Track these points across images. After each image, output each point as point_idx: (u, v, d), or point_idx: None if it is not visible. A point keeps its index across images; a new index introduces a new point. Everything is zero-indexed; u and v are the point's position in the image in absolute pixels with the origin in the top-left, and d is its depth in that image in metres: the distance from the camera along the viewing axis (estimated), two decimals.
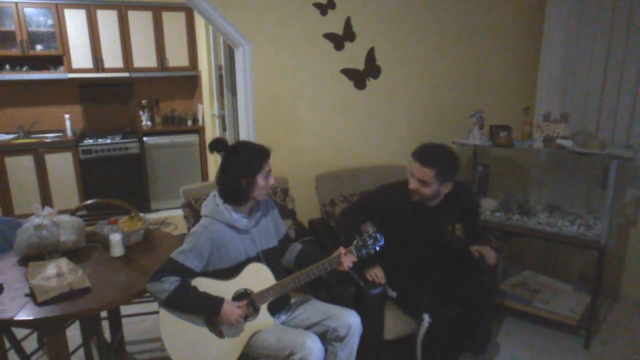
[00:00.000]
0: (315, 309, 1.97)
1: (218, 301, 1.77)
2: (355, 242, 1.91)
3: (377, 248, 1.92)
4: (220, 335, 1.82)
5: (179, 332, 1.80)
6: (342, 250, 1.90)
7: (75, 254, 2.14)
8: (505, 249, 3.35)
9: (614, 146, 2.79)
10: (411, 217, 2.18)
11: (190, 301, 1.76)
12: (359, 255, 1.91)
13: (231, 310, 1.77)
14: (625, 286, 3.18)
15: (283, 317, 2.00)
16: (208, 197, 1.95)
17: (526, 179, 3.37)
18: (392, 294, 2.28)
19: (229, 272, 1.87)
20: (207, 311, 1.79)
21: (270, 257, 1.98)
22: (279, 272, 1.97)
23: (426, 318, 2.13)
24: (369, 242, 1.91)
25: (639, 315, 3.00)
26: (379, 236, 1.92)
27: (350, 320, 1.88)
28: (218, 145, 1.85)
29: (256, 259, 1.92)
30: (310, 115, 2.97)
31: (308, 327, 1.93)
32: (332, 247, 2.48)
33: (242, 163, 1.83)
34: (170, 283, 1.72)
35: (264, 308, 1.87)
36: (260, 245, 1.95)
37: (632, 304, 3.11)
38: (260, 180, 1.85)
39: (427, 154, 2.04)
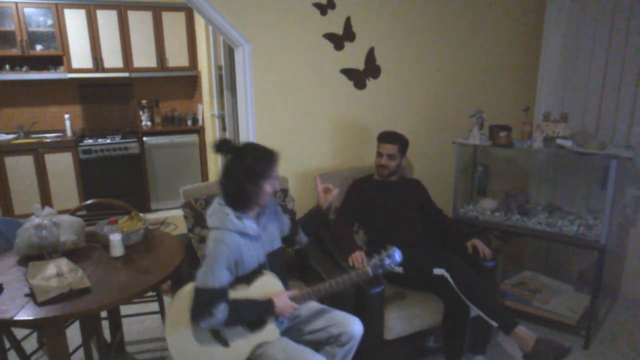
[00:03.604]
0: (319, 315, 1.95)
1: (269, 304, 1.77)
2: (372, 262, 1.90)
3: (394, 266, 1.92)
4: (225, 344, 1.81)
5: (184, 340, 1.78)
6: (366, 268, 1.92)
7: (75, 254, 2.14)
8: (505, 249, 3.35)
9: (613, 146, 2.79)
10: (380, 192, 2.65)
11: (244, 316, 1.75)
12: (375, 274, 1.90)
13: (284, 306, 1.78)
14: (625, 286, 3.18)
15: (286, 323, 1.97)
16: (212, 206, 1.84)
17: (526, 179, 3.37)
18: (399, 269, 2.35)
19: (240, 282, 1.82)
20: (262, 316, 1.81)
21: (275, 260, 1.95)
22: (283, 274, 1.95)
23: (442, 271, 2.24)
24: (386, 262, 1.90)
25: (639, 315, 3.00)
26: (397, 255, 1.90)
27: (354, 331, 1.87)
28: (223, 146, 1.77)
29: (264, 265, 1.88)
30: (310, 115, 2.97)
31: (311, 333, 1.92)
32: (332, 247, 2.51)
33: (248, 167, 1.75)
34: (221, 312, 1.67)
35: (271, 320, 1.84)
36: (266, 249, 1.91)
37: (632, 304, 3.11)
38: (266, 186, 1.78)
39: (391, 135, 2.64)
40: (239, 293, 1.78)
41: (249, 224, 1.79)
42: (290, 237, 2.10)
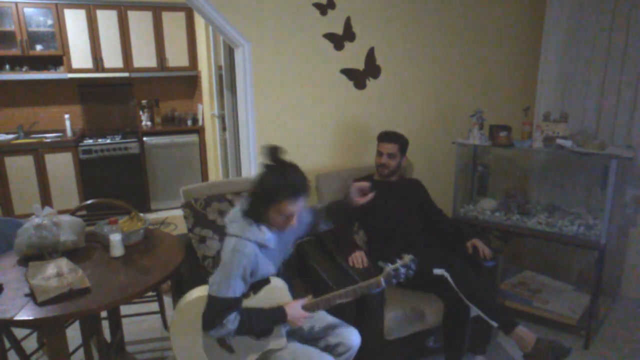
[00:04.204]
0: (319, 321, 1.94)
1: (281, 313, 1.74)
2: (386, 271, 1.85)
3: (410, 276, 1.88)
4: (230, 350, 1.79)
5: (190, 347, 1.78)
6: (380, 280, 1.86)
7: (75, 254, 2.14)
8: (505, 249, 3.35)
9: (614, 146, 2.79)
10: (380, 192, 2.52)
11: (256, 326, 1.72)
12: (388, 284, 1.86)
13: (296, 315, 1.75)
14: (625, 286, 3.18)
15: (288, 326, 1.92)
16: (234, 212, 1.80)
17: (526, 179, 3.37)
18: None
19: (248, 289, 1.79)
20: (274, 326, 1.78)
21: (287, 266, 1.92)
22: (292, 278, 1.93)
23: (442, 271, 2.22)
24: (401, 271, 1.85)
25: (639, 315, 3.00)
26: (413, 265, 1.86)
27: (352, 342, 1.87)
28: (273, 153, 1.71)
29: (277, 273, 1.85)
30: (310, 115, 2.97)
31: (310, 339, 1.91)
32: (332, 247, 2.51)
33: (273, 186, 1.67)
34: (232, 322, 1.65)
35: (278, 328, 1.81)
36: (280, 257, 1.88)
37: (632, 304, 3.11)
38: (281, 212, 1.69)
39: (391, 134, 2.66)
40: (248, 301, 1.76)
41: (269, 237, 1.75)
42: (311, 229, 2.03)
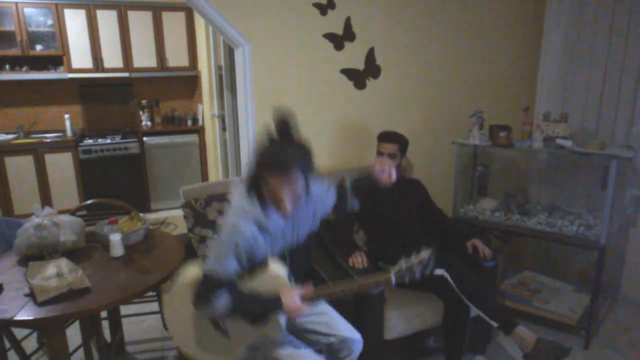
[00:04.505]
0: (322, 317, 1.89)
1: (276, 302, 1.63)
2: (397, 268, 1.70)
3: (427, 274, 1.73)
4: (226, 335, 1.78)
5: (182, 322, 1.79)
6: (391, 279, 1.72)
7: (75, 254, 2.14)
8: (505, 249, 3.35)
9: (614, 146, 2.79)
10: (379, 192, 2.43)
11: (249, 310, 1.66)
12: (399, 282, 1.71)
13: (292, 306, 1.63)
14: (625, 286, 3.18)
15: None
16: (238, 181, 1.71)
17: (526, 179, 3.37)
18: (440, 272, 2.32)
19: (244, 272, 1.70)
20: (269, 312, 1.67)
21: (298, 255, 1.82)
22: (302, 268, 1.86)
23: (442, 271, 2.20)
24: (417, 269, 1.69)
25: (639, 315, 3.00)
26: (431, 263, 1.71)
27: (354, 346, 1.85)
28: (278, 120, 1.61)
29: (282, 256, 1.76)
30: (310, 115, 2.97)
31: (312, 332, 1.90)
32: (333, 247, 2.51)
33: (259, 154, 1.58)
34: (221, 301, 1.57)
35: (277, 318, 1.72)
36: (288, 242, 1.77)
37: (632, 304, 3.11)
38: (264, 188, 1.59)
39: (391, 134, 2.65)
40: (242, 284, 1.68)
41: (274, 220, 1.63)
42: (338, 209, 1.92)
